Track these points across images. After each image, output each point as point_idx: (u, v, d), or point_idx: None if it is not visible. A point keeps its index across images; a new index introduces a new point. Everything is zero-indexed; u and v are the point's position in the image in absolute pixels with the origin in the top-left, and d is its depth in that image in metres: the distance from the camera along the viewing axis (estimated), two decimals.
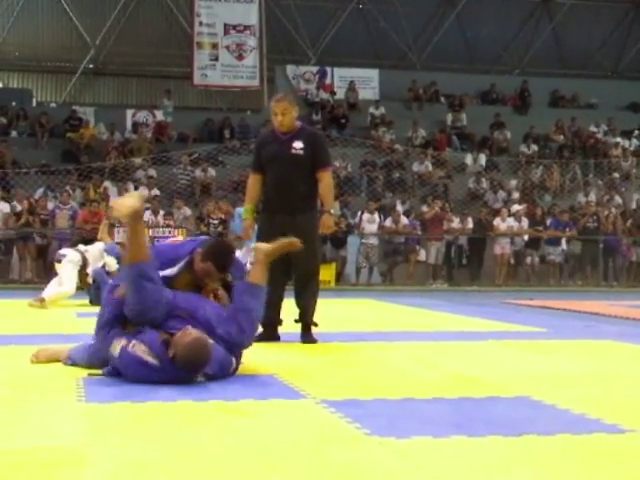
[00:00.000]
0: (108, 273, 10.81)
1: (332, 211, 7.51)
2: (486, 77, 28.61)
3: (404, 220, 18.47)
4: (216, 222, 17.27)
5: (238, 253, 6.36)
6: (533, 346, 7.22)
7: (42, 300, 10.85)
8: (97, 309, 10.20)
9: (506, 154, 23.71)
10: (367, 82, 27.07)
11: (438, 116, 25.34)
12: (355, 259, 18.38)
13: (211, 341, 4.99)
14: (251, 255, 5.98)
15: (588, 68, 30.31)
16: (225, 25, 26.16)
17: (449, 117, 25.27)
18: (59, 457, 3.30)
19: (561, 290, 17.72)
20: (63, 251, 11.91)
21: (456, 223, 18.91)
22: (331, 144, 22.22)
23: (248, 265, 5.92)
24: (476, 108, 26.40)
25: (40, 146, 22.26)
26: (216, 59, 26.20)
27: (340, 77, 27.12)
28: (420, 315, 10.74)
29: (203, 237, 5.82)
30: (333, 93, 26.17)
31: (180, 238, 5.83)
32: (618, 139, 24.89)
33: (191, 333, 4.84)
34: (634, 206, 21.51)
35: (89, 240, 16.02)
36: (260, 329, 6.44)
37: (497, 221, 18.91)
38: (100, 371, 5.11)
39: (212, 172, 20.52)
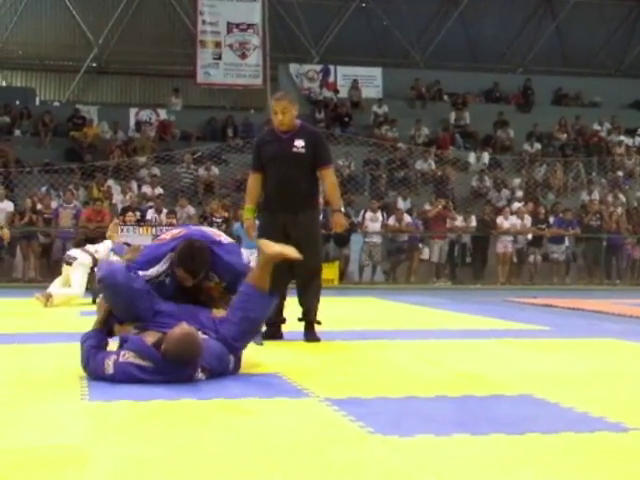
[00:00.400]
0: None
1: (342, 209, 7.53)
2: (489, 75, 28.57)
3: (407, 218, 18.46)
4: (219, 221, 17.27)
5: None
6: (536, 344, 7.22)
7: (49, 296, 10.85)
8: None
9: (509, 152, 23.68)
10: (370, 80, 27.07)
11: (441, 114, 25.33)
12: (358, 257, 18.37)
13: (204, 336, 5.00)
14: (252, 257, 5.96)
15: (591, 66, 30.27)
16: (228, 24, 26.16)
17: (452, 115, 25.25)
18: (62, 455, 3.31)
19: (564, 288, 17.70)
20: (73, 253, 11.78)
21: (459, 221, 18.90)
22: (334, 142, 22.22)
23: (252, 263, 5.89)
24: (479, 106, 26.38)
25: (43, 145, 22.27)
26: (219, 58, 26.20)
27: (343, 75, 27.11)
28: (423, 313, 10.74)
29: (187, 233, 5.65)
30: (336, 91, 26.17)
31: (166, 237, 5.69)
32: (622, 137, 24.87)
33: (182, 327, 4.85)
34: (636, 204, 21.48)
35: (93, 239, 16.08)
36: (264, 327, 6.46)
37: (500, 219, 18.90)
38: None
39: (215, 171, 20.52)
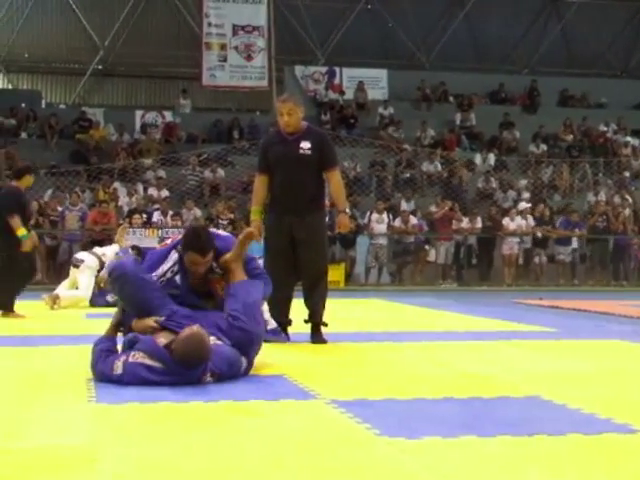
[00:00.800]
0: None
1: (347, 210, 7.55)
2: (495, 77, 28.54)
3: (413, 220, 18.44)
4: (225, 222, 17.28)
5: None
6: (543, 346, 7.21)
7: (56, 298, 10.86)
8: (106, 310, 10.22)
9: (515, 154, 23.66)
10: (376, 82, 27.06)
11: (447, 116, 25.32)
12: (364, 259, 18.36)
13: (218, 342, 5.01)
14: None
15: (597, 67, 30.23)
16: (234, 26, 26.18)
17: (458, 117, 25.24)
18: (70, 457, 3.32)
19: (571, 290, 17.67)
20: (80, 255, 11.79)
21: (465, 223, 18.88)
22: (340, 144, 22.23)
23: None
24: (485, 108, 26.36)
25: (49, 147, 22.30)
26: (225, 60, 26.23)
27: (349, 77, 27.11)
28: (429, 315, 10.73)
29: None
30: (342, 93, 26.17)
31: (167, 242, 5.78)
32: (628, 138, 24.82)
33: (192, 329, 4.86)
34: None
35: (100, 241, 16.10)
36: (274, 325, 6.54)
37: (506, 221, 18.87)
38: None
39: (221, 173, 20.54)
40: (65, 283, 11.56)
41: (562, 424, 4.00)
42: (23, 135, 22.91)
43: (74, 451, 3.41)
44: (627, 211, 20.28)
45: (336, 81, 27.06)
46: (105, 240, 16.25)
